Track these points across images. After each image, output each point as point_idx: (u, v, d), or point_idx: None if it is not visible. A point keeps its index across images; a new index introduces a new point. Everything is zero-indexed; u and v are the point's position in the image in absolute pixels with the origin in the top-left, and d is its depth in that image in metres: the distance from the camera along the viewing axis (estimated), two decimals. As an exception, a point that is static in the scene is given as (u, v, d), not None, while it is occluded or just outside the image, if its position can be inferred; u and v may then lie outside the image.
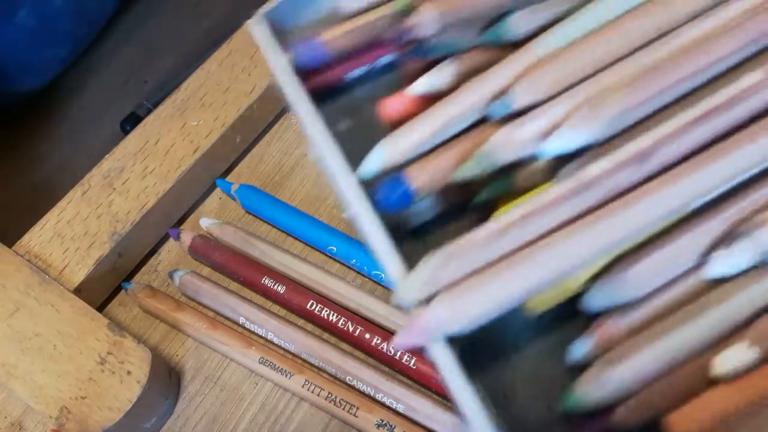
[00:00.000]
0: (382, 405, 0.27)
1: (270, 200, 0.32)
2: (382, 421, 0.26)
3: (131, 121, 0.36)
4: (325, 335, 0.29)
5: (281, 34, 0.23)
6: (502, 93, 0.18)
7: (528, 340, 0.19)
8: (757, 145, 0.17)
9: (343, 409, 0.27)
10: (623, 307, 0.17)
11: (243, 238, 0.31)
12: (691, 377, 0.16)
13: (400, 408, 0.26)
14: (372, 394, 0.27)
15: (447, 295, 0.16)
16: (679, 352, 0.16)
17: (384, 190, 0.19)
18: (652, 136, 0.17)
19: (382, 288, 0.30)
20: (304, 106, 0.20)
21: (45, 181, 0.36)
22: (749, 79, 0.17)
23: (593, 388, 0.17)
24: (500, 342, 0.19)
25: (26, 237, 0.30)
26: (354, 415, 0.27)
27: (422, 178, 0.19)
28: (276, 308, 0.30)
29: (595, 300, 0.17)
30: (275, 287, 0.29)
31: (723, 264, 0.17)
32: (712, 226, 0.17)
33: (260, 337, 0.29)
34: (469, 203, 0.19)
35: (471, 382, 0.17)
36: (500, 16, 0.20)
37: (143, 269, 0.32)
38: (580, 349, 0.17)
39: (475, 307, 0.16)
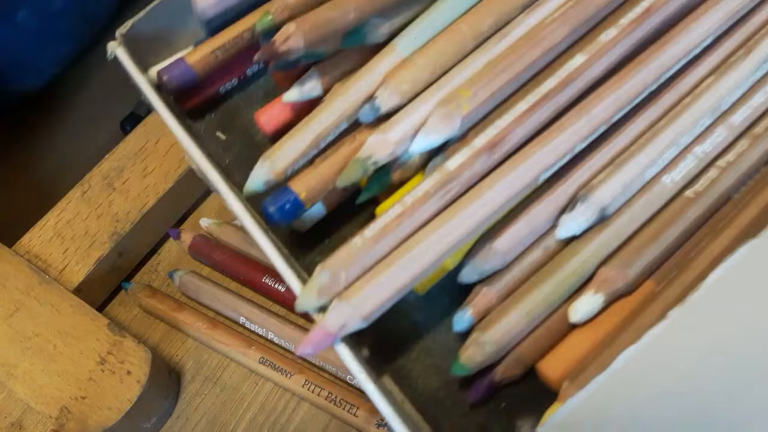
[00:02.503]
0: (383, 405, 0.27)
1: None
2: (383, 421, 0.26)
3: (131, 121, 0.36)
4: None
5: (150, 44, 0.25)
6: (369, 98, 0.20)
7: (419, 319, 0.22)
8: (589, 116, 0.19)
9: (343, 409, 0.27)
10: (493, 276, 0.20)
11: (243, 238, 0.31)
12: (554, 327, 0.19)
13: (400, 408, 0.27)
14: (372, 393, 0.27)
15: (342, 302, 0.18)
16: (541, 308, 0.19)
17: (273, 205, 0.20)
18: (499, 125, 0.19)
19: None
20: (179, 132, 0.22)
21: (45, 181, 0.36)
22: (574, 62, 0.20)
23: (474, 353, 0.19)
24: (396, 323, 0.21)
25: (26, 237, 0.30)
26: (354, 415, 0.27)
27: (308, 190, 0.21)
28: (276, 308, 0.30)
29: (469, 274, 0.20)
30: (275, 286, 0.29)
31: (569, 226, 0.19)
32: (558, 194, 0.20)
33: (260, 336, 0.29)
34: (352, 201, 0.21)
35: (375, 373, 0.20)
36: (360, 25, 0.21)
37: (143, 269, 0.32)
38: (461, 319, 0.20)
39: (368, 306, 0.18)
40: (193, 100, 0.25)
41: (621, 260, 0.19)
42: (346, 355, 0.18)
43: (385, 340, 0.21)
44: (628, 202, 0.20)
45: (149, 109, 0.36)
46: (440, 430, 0.20)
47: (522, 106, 0.19)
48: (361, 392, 0.27)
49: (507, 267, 0.20)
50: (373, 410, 0.26)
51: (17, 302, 0.28)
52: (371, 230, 0.18)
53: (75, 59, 0.39)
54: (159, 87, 0.24)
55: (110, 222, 0.30)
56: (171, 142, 0.32)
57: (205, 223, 0.32)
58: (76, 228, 0.30)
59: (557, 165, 0.19)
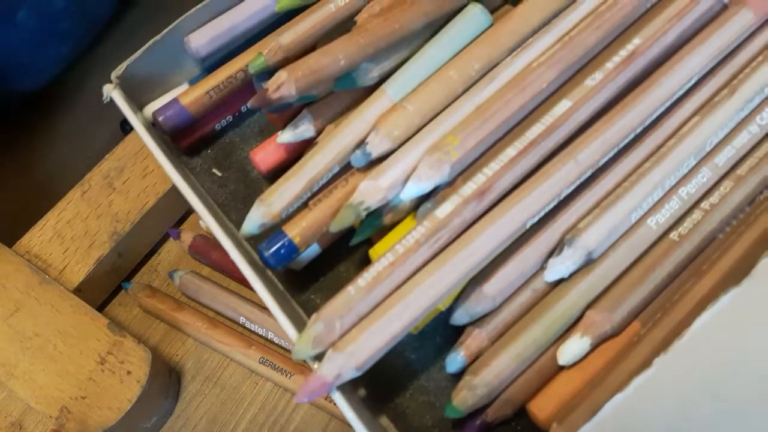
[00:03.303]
0: (383, 405, 0.27)
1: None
2: (383, 420, 0.26)
3: (131, 121, 0.36)
4: (325, 335, 0.29)
5: (146, 84, 0.26)
6: (360, 143, 0.21)
7: (413, 357, 0.22)
8: (575, 161, 0.19)
9: (344, 408, 0.27)
10: (484, 318, 0.20)
11: (243, 238, 0.31)
12: (543, 368, 0.20)
13: (401, 408, 0.26)
14: (372, 393, 0.27)
15: (337, 352, 0.18)
16: (530, 351, 0.19)
17: (268, 250, 0.21)
18: (487, 173, 0.19)
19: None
20: (175, 176, 0.23)
21: (45, 181, 0.36)
22: (560, 107, 0.20)
23: (466, 397, 0.19)
24: (391, 362, 0.22)
25: (26, 237, 0.30)
26: (354, 414, 0.27)
27: (302, 234, 0.21)
28: (276, 308, 0.30)
29: (460, 317, 0.20)
30: (275, 287, 0.29)
31: (557, 269, 0.20)
32: (546, 238, 0.20)
33: (260, 336, 0.29)
34: (346, 240, 0.21)
35: (371, 411, 0.21)
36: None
37: (143, 269, 0.32)
38: (454, 361, 0.20)
39: (362, 355, 0.18)
40: (188, 138, 0.26)
41: (607, 304, 0.19)
42: (341, 402, 0.18)
43: (381, 379, 0.22)
44: (614, 245, 0.20)
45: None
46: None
47: (510, 152, 0.20)
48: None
49: (497, 309, 0.20)
50: (373, 410, 0.26)
51: (17, 302, 0.28)
52: (364, 279, 0.19)
53: (75, 59, 0.39)
54: (154, 125, 0.25)
55: (110, 222, 0.30)
56: (171, 142, 0.32)
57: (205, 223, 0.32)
58: (76, 228, 0.30)
59: (544, 210, 0.20)
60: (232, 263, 0.30)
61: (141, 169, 0.32)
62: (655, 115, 0.21)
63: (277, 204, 0.21)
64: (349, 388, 0.19)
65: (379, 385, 0.22)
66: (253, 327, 0.29)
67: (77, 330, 0.27)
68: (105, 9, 0.39)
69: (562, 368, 0.20)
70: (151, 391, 0.26)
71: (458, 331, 0.21)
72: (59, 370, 0.27)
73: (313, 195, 0.22)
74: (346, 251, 0.23)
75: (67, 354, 0.27)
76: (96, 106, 0.38)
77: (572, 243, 0.19)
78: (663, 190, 0.20)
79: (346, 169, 0.22)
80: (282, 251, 0.21)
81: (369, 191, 0.20)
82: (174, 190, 0.31)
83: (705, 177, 0.21)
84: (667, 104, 0.21)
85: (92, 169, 0.32)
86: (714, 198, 0.21)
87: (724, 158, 0.21)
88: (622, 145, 0.20)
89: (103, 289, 0.31)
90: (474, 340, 0.20)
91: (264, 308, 0.29)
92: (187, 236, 0.31)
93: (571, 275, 0.20)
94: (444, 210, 0.19)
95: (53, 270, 0.29)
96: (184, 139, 0.26)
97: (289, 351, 0.29)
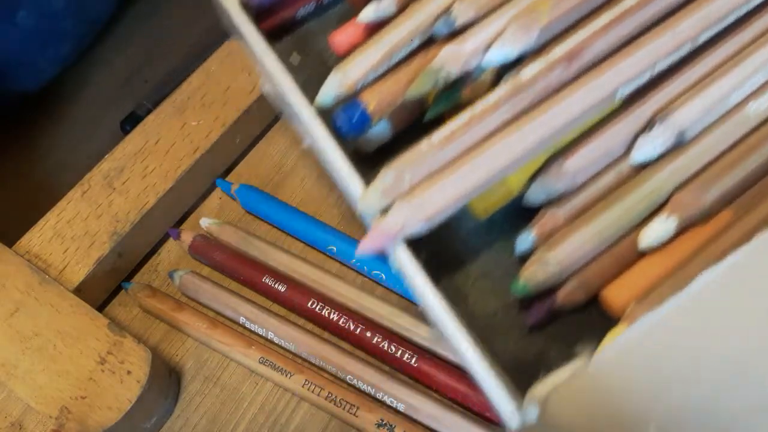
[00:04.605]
0: (383, 404, 0.27)
1: (270, 200, 0.32)
2: (383, 420, 0.26)
3: (131, 121, 0.36)
4: (326, 334, 0.29)
5: None
6: (445, 12, 0.20)
7: (479, 243, 0.21)
8: (673, 32, 0.18)
9: (343, 409, 0.27)
10: (561, 198, 0.19)
11: (243, 238, 0.31)
12: (623, 253, 0.18)
13: (401, 407, 0.26)
14: (372, 393, 0.27)
15: (403, 202, 0.17)
16: (610, 231, 0.18)
17: (341, 117, 0.20)
18: (577, 37, 0.18)
19: (382, 288, 0.30)
20: (258, 43, 0.22)
21: (45, 181, 0.36)
22: None
23: (536, 272, 0.18)
24: (454, 248, 0.21)
25: (26, 237, 0.30)
26: (354, 414, 0.27)
27: (377, 101, 0.20)
28: (276, 308, 0.30)
29: (535, 194, 0.19)
30: (275, 286, 0.29)
31: (645, 149, 0.18)
32: (636, 116, 0.19)
33: (260, 336, 0.29)
34: (420, 123, 0.21)
35: (433, 282, 0.19)
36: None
37: (143, 269, 0.32)
38: (525, 240, 0.19)
39: (430, 209, 0.17)
40: (270, 21, 0.25)
41: (698, 185, 0.18)
42: (404, 258, 0.18)
43: (442, 262, 0.21)
44: (708, 128, 0.19)
45: (149, 109, 0.36)
46: (495, 353, 0.19)
47: (604, 18, 0.19)
48: (360, 392, 0.27)
49: (576, 190, 0.19)
50: (373, 409, 0.26)
51: (17, 302, 0.28)
52: (438, 135, 0.18)
53: (75, 59, 0.39)
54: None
55: (110, 222, 0.30)
56: (171, 142, 0.32)
57: (205, 223, 0.32)
58: (76, 228, 0.30)
59: (636, 81, 0.18)
60: (232, 263, 0.30)
61: (141, 169, 0.32)
62: None
63: (353, 72, 0.20)
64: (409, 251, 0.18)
65: (440, 267, 0.20)
66: (253, 327, 0.29)
67: (77, 330, 0.27)
68: (105, 9, 0.39)
69: (642, 256, 0.18)
70: (151, 391, 0.26)
71: (529, 220, 0.20)
72: (59, 370, 0.26)
73: (391, 69, 0.21)
74: (417, 135, 0.22)
75: (67, 354, 0.27)
76: (96, 105, 0.38)
77: (664, 120, 0.18)
78: (766, 75, 0.19)
79: (427, 45, 0.21)
80: (354, 119, 0.20)
81: (450, 56, 0.19)
82: (174, 190, 0.31)
83: None
84: None
85: (92, 169, 0.32)
86: None
87: None
88: (724, 24, 0.19)
89: (103, 289, 0.31)
90: (549, 219, 0.19)
91: (264, 308, 0.29)
92: (187, 236, 0.31)
93: (660, 158, 0.19)
94: (529, 71, 0.18)
95: (53, 270, 0.29)
96: (266, 21, 0.25)
97: (289, 351, 0.29)
